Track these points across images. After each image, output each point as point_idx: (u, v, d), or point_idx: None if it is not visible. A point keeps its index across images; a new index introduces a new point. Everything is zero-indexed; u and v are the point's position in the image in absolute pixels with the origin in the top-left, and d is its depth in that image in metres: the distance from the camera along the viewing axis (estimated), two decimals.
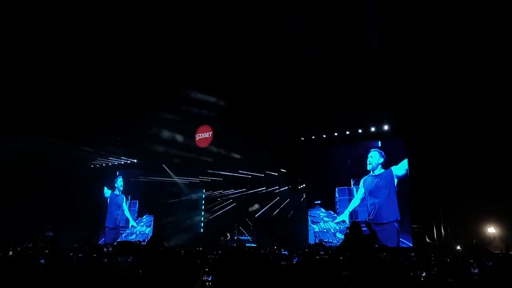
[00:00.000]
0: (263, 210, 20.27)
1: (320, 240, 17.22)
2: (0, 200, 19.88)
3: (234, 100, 18.06)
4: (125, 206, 23.52)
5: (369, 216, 16.18)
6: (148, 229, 22.28)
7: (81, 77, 16.23)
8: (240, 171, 20.84)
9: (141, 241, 16.22)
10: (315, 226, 17.77)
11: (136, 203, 23.35)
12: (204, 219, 22.69)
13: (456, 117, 14.48)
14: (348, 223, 16.45)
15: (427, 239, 15.22)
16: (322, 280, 5.47)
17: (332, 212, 17.46)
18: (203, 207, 23.20)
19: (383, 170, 16.47)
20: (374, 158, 16.73)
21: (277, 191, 20.13)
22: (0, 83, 15.76)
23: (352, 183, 17.18)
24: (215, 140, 20.30)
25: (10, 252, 8.12)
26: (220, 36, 14.25)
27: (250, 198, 20.94)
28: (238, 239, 19.96)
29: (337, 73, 14.27)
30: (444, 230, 15.54)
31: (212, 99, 19.05)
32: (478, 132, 14.14)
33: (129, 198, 23.60)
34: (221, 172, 21.49)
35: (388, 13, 12.01)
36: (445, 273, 6.65)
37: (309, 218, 17.96)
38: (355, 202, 16.92)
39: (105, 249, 12.53)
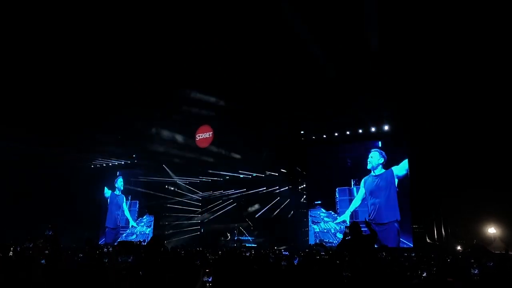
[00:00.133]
0: (263, 210, 20.26)
1: (320, 240, 17.22)
2: (0, 200, 19.88)
3: (234, 100, 18.05)
4: (125, 206, 23.52)
5: (369, 216, 16.19)
6: (148, 229, 22.28)
7: (81, 77, 16.22)
8: (240, 171, 20.84)
9: (141, 241, 16.21)
10: (315, 226, 17.77)
11: (136, 203, 23.36)
12: (204, 219, 22.68)
13: (456, 117, 14.48)
14: (348, 223, 16.45)
15: (427, 239, 15.22)
16: (322, 280, 5.47)
17: (332, 213, 17.47)
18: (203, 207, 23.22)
19: (383, 170, 16.47)
20: (375, 158, 16.73)
21: (277, 191, 20.12)
22: (0, 83, 15.76)
23: (352, 183, 17.18)
24: (215, 140, 20.29)
25: (10, 252, 8.11)
26: (220, 36, 14.24)
27: (250, 198, 20.94)
28: (238, 239, 19.94)
29: (337, 73, 14.26)
30: (444, 230, 15.54)
31: (212, 99, 19.04)
32: (478, 132, 14.14)
33: (129, 198, 23.60)
34: (221, 172, 21.50)
35: (388, 13, 12.00)
36: (445, 273, 6.65)
37: (310, 218, 17.97)
38: (355, 203, 16.92)
39: (105, 249, 12.52)
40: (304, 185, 19.17)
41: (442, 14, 11.81)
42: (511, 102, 13.22)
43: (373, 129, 16.84)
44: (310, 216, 17.93)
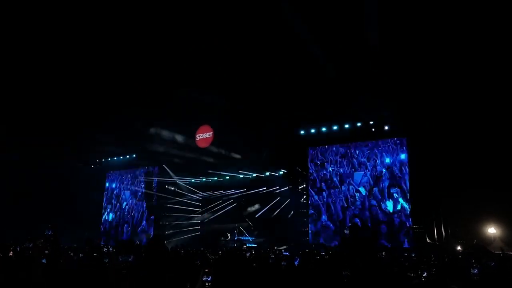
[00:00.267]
0: (263, 210, 20.26)
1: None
2: (0, 200, 19.87)
3: (234, 100, 18.06)
4: (125, 206, 23.51)
5: (369, 216, 16.19)
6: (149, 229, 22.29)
7: (81, 77, 16.23)
8: (240, 171, 20.84)
9: (142, 241, 16.21)
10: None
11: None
12: (204, 219, 22.68)
13: (456, 117, 14.48)
14: (348, 223, 16.46)
15: (427, 239, 15.21)
16: (322, 280, 5.47)
17: (332, 212, 17.45)
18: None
19: (383, 170, 16.47)
20: (375, 157, 16.76)
21: (278, 191, 20.12)
22: (1, 83, 15.76)
23: (352, 183, 17.18)
24: (215, 140, 20.29)
25: (10, 252, 8.11)
26: (220, 36, 14.25)
27: (250, 198, 20.94)
28: (238, 239, 19.94)
29: (337, 73, 14.27)
30: (444, 230, 15.53)
31: (212, 99, 19.04)
32: (478, 132, 14.14)
33: (130, 198, 23.59)
34: (222, 173, 21.50)
35: (388, 13, 12.01)
36: (445, 274, 6.64)
37: (310, 218, 17.96)
38: (355, 202, 16.91)
39: (105, 249, 12.52)
40: (304, 185, 19.15)
41: (442, 14, 11.82)
42: (511, 102, 13.21)
43: (373, 129, 16.82)
44: (310, 216, 17.91)
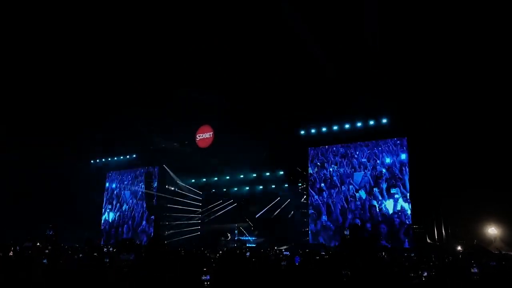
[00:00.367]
0: (263, 210, 20.25)
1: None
2: (0, 200, 19.87)
3: (234, 100, 18.06)
4: (125, 207, 23.51)
5: (369, 216, 16.18)
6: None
7: (81, 77, 16.24)
8: (240, 171, 20.84)
9: (142, 241, 16.21)
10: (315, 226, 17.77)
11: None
12: (204, 219, 22.68)
13: (456, 118, 14.47)
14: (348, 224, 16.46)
15: (427, 239, 15.21)
16: (322, 280, 5.46)
17: (332, 212, 17.45)
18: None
19: (383, 170, 16.47)
20: (375, 157, 16.76)
21: (278, 191, 20.12)
22: (1, 83, 15.77)
23: (353, 183, 17.17)
24: (215, 140, 20.29)
25: (10, 252, 8.10)
26: (220, 36, 14.26)
27: (250, 198, 20.93)
28: (238, 239, 19.94)
29: (337, 73, 14.27)
30: (444, 230, 15.53)
31: (212, 99, 19.04)
32: (478, 133, 14.13)
33: (130, 198, 23.58)
34: (222, 172, 21.48)
35: (388, 13, 12.01)
36: (445, 274, 6.64)
37: (310, 218, 17.95)
38: (355, 202, 16.91)
39: (105, 249, 12.52)
40: (304, 185, 19.15)
41: (442, 15, 11.82)
42: (511, 102, 13.21)
43: (373, 129, 16.82)
44: (310, 216, 17.91)
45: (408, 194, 15.76)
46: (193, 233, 22.23)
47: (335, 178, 17.70)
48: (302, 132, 18.51)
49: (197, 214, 22.75)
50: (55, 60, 15.18)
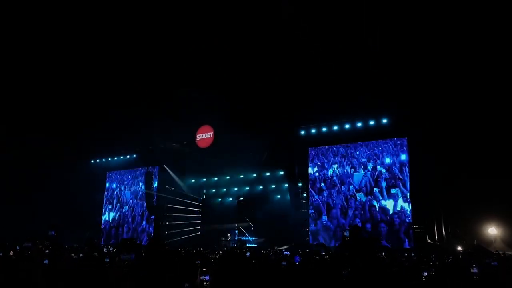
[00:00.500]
0: (263, 210, 20.24)
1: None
2: (0, 200, 19.86)
3: (234, 100, 18.06)
4: (125, 207, 23.51)
5: (369, 216, 16.18)
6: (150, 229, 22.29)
7: (81, 77, 16.25)
8: (240, 171, 20.83)
9: (142, 241, 16.20)
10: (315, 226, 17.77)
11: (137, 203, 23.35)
12: (204, 219, 22.66)
13: (456, 118, 14.48)
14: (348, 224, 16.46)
15: (427, 239, 15.21)
16: (322, 280, 5.46)
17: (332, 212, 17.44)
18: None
19: (383, 169, 16.46)
20: (375, 157, 16.76)
21: (277, 191, 20.10)
22: (1, 83, 15.77)
23: (353, 183, 17.17)
24: (215, 140, 20.29)
25: (10, 252, 8.10)
26: (220, 36, 14.26)
27: (250, 198, 20.92)
28: (238, 239, 19.92)
29: (337, 74, 14.28)
30: (444, 230, 15.53)
31: (212, 99, 19.02)
32: (478, 132, 14.14)
33: (130, 198, 23.59)
34: (222, 172, 21.48)
35: (388, 14, 12.02)
36: (445, 274, 6.64)
37: (310, 218, 17.96)
38: (355, 202, 16.90)
39: (105, 249, 12.51)
40: (304, 185, 19.13)
41: (442, 15, 11.82)
42: (511, 102, 13.21)
43: (373, 129, 16.82)
44: (310, 216, 17.90)
45: (408, 194, 15.76)
46: (193, 233, 22.22)
47: (335, 178, 17.70)
48: (302, 132, 18.52)
49: (197, 214, 22.73)
50: (55, 60, 15.19)
